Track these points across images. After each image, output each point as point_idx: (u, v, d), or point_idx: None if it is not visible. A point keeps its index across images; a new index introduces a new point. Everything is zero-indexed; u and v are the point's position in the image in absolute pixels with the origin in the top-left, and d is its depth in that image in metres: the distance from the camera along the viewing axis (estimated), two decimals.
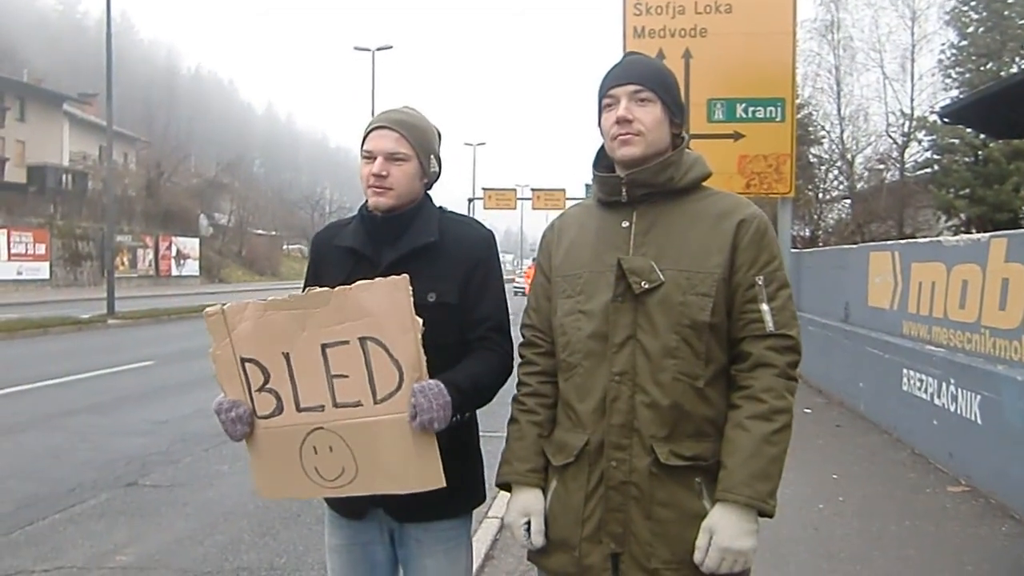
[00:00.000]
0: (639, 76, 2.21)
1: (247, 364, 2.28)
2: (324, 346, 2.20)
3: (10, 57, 58.93)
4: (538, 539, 2.24)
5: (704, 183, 2.30)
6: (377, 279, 2.19)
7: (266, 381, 2.27)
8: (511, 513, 2.28)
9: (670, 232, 2.18)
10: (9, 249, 42.35)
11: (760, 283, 2.14)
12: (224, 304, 2.30)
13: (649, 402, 2.11)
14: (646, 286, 2.12)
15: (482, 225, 2.56)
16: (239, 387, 2.31)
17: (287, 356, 2.23)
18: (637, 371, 2.13)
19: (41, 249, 44.30)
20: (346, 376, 2.20)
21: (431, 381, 2.18)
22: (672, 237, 2.17)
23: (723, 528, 2.03)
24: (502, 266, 2.60)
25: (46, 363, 14.81)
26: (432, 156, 2.50)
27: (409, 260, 2.38)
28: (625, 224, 2.22)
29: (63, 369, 13.89)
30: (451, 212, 2.58)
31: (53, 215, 47.03)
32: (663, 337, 2.12)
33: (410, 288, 2.15)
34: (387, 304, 2.16)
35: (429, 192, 2.56)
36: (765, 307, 2.13)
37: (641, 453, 2.11)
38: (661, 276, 2.13)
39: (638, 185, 2.21)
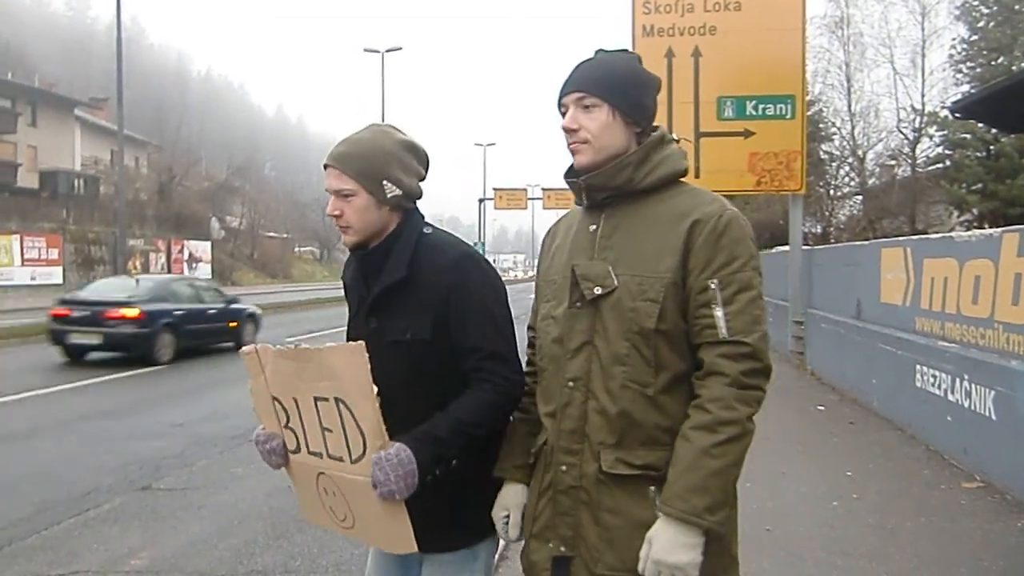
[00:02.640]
0: (583, 82, 2.17)
1: (275, 401, 2.38)
2: (315, 399, 2.26)
3: (21, 63, 59.20)
4: (513, 532, 2.33)
5: (684, 180, 2.22)
6: (339, 344, 2.20)
7: (288, 420, 2.37)
8: (495, 506, 2.36)
9: (630, 235, 2.14)
10: (23, 254, 42.52)
11: (714, 287, 2.03)
12: (257, 344, 2.41)
13: (599, 409, 2.09)
14: (598, 292, 2.11)
15: (462, 245, 2.41)
16: (274, 421, 2.42)
17: (296, 401, 2.32)
18: (591, 377, 2.12)
19: (54, 254, 44.46)
20: (331, 431, 2.25)
21: (392, 450, 2.13)
22: (631, 240, 2.13)
23: (659, 540, 1.98)
24: (495, 280, 2.41)
25: (60, 369, 14.88)
26: (385, 181, 2.32)
27: (387, 297, 2.36)
28: (593, 228, 2.21)
29: (76, 374, 13.95)
30: (434, 233, 2.42)
31: (66, 220, 47.18)
32: (614, 344, 2.09)
33: (366, 355, 2.12)
34: (348, 369, 2.16)
35: (414, 208, 2.43)
36: (719, 312, 2.02)
37: (590, 459, 2.11)
38: (615, 281, 2.10)
39: (596, 189, 2.19)
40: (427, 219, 2.47)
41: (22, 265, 42.50)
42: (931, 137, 25.50)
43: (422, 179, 2.44)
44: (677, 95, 14.51)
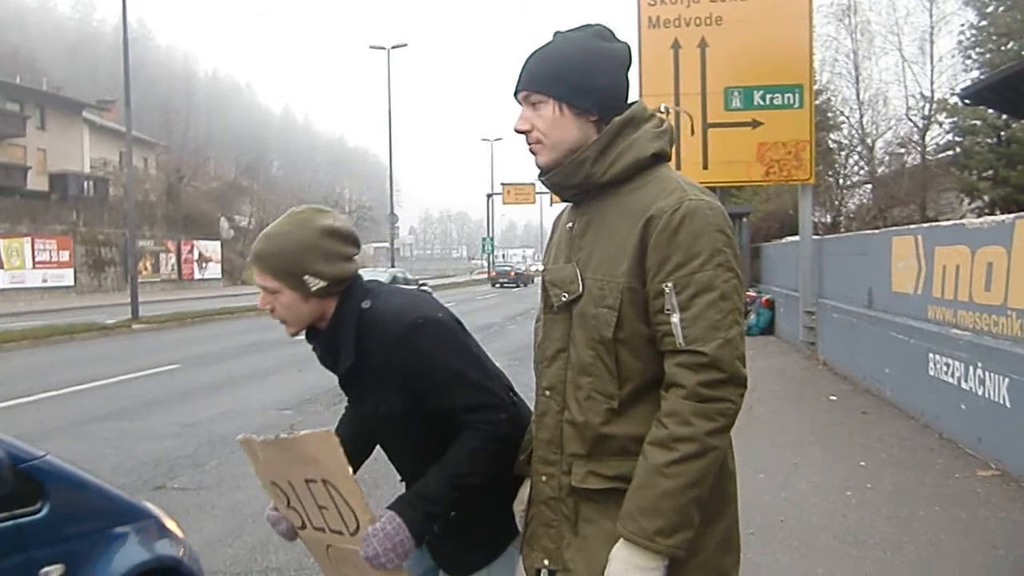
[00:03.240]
0: (526, 79, 2.04)
1: (275, 485, 2.45)
2: (306, 481, 2.31)
3: (29, 66, 59.45)
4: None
5: (663, 163, 2.02)
6: (311, 432, 2.23)
7: (289, 501, 2.43)
8: (515, 501, 2.32)
9: (599, 234, 2.00)
10: (34, 257, 42.96)
11: (669, 290, 1.86)
12: (245, 435, 2.47)
13: (571, 420, 1.99)
14: (564, 298, 2.00)
15: (404, 314, 2.26)
16: (279, 501, 2.49)
17: (291, 484, 2.37)
18: (565, 386, 2.01)
19: (65, 256, 44.84)
20: (327, 509, 2.31)
21: (379, 523, 2.19)
22: (599, 240, 1.99)
23: (615, 561, 1.86)
24: (445, 333, 2.29)
25: (72, 369, 14.94)
26: (306, 276, 2.23)
27: (349, 379, 2.37)
28: (569, 226, 2.09)
29: (89, 375, 14.00)
30: (373, 307, 2.28)
31: (76, 222, 47.44)
32: (581, 353, 1.97)
33: (335, 439, 2.17)
34: (323, 454, 2.21)
35: (349, 287, 2.31)
36: (675, 318, 1.85)
37: (567, 471, 2.02)
38: (580, 287, 1.97)
39: (560, 188, 2.06)
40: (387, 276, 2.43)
41: (34, 267, 42.96)
42: (941, 124, 25.36)
43: (352, 258, 2.33)
44: (684, 86, 14.49)
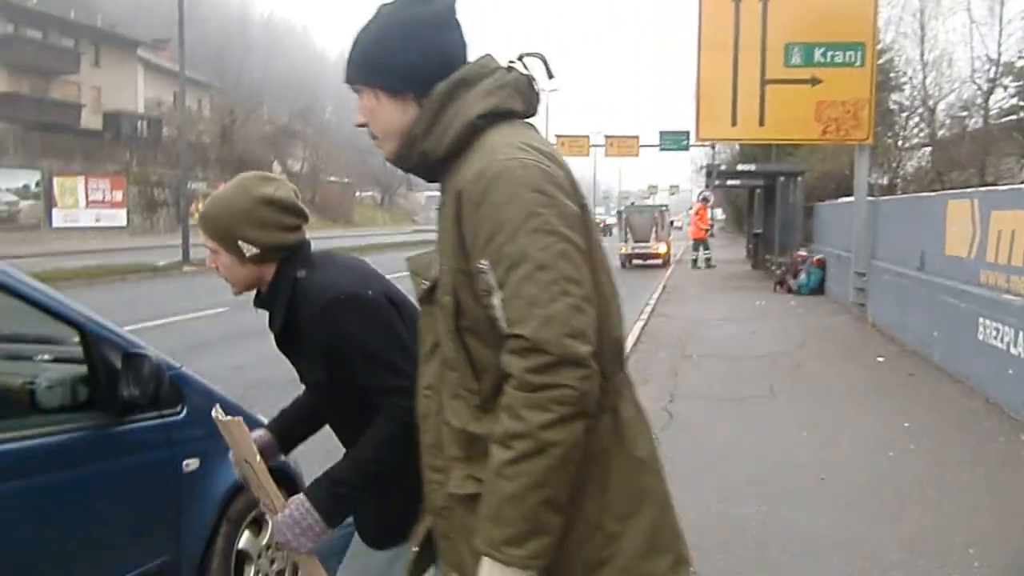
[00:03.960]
0: (346, 74, 1.90)
1: (236, 463, 2.54)
2: (245, 460, 2.39)
3: (83, 3, 59.71)
4: None
5: (489, 130, 1.75)
6: (227, 419, 2.33)
7: (248, 481, 2.50)
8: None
9: (443, 215, 1.78)
10: (87, 196, 43.33)
11: (485, 268, 1.63)
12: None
13: (447, 420, 1.79)
14: (424, 286, 1.82)
15: (329, 288, 2.24)
16: (247, 481, 2.56)
17: (245, 462, 2.42)
18: (441, 384, 1.81)
19: (118, 196, 45.19)
20: (259, 489, 2.38)
21: (287, 509, 2.22)
22: (439, 222, 1.80)
23: (479, 572, 1.63)
24: (366, 312, 2.26)
25: (122, 309, 15.18)
26: (239, 241, 2.29)
27: (286, 344, 2.40)
28: (437, 208, 1.89)
29: (140, 315, 14.23)
30: (307, 277, 2.31)
31: (129, 162, 47.65)
32: (444, 346, 1.77)
33: (244, 427, 2.30)
34: (240, 441, 2.33)
35: (291, 254, 2.36)
36: (496, 300, 1.62)
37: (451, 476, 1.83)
38: (436, 272, 1.78)
39: (414, 173, 1.90)
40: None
41: (87, 207, 43.24)
42: (1006, 88, 24.64)
43: (292, 228, 2.36)
44: (744, 41, 14.27)
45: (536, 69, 1.86)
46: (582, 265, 1.64)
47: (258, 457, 2.30)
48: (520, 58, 1.84)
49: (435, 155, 1.78)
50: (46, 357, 3.30)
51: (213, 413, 2.43)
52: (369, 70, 1.85)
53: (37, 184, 41.24)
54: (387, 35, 1.83)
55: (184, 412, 3.25)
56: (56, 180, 41.90)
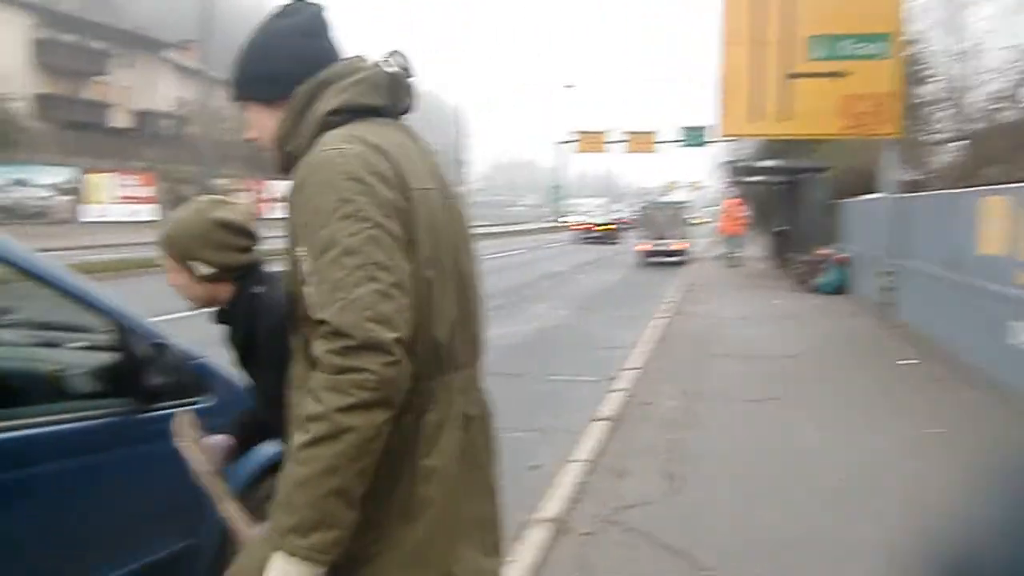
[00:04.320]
0: (230, 91, 1.99)
1: None
2: (201, 473, 2.49)
3: (111, 5, 60.29)
4: None
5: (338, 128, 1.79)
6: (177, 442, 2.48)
7: None
8: None
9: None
10: (117, 191, 44.42)
11: (303, 256, 1.65)
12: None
13: (297, 411, 1.77)
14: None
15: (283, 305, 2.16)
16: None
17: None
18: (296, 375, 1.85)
19: (148, 192, 46.01)
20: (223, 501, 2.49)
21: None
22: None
23: (270, 567, 1.57)
24: None
25: (147, 302, 15.31)
26: (191, 262, 2.44)
27: (245, 358, 2.50)
28: None
29: (166, 307, 14.31)
30: (265, 294, 2.44)
31: (157, 159, 48.46)
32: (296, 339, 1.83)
33: (192, 428, 2.46)
34: (193, 457, 2.46)
35: (245, 275, 2.50)
36: (311, 287, 1.63)
37: None
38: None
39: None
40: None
41: (118, 202, 44.26)
42: None
43: (244, 249, 2.51)
44: (766, 33, 14.07)
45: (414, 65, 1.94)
46: (395, 253, 1.64)
47: (211, 469, 2.40)
48: (389, 56, 1.89)
49: (299, 155, 1.79)
50: (77, 344, 3.42)
51: (174, 440, 2.50)
52: (244, 83, 1.94)
53: (69, 181, 42.18)
54: (254, 48, 1.92)
55: (209, 400, 3.36)
56: (87, 176, 42.85)
